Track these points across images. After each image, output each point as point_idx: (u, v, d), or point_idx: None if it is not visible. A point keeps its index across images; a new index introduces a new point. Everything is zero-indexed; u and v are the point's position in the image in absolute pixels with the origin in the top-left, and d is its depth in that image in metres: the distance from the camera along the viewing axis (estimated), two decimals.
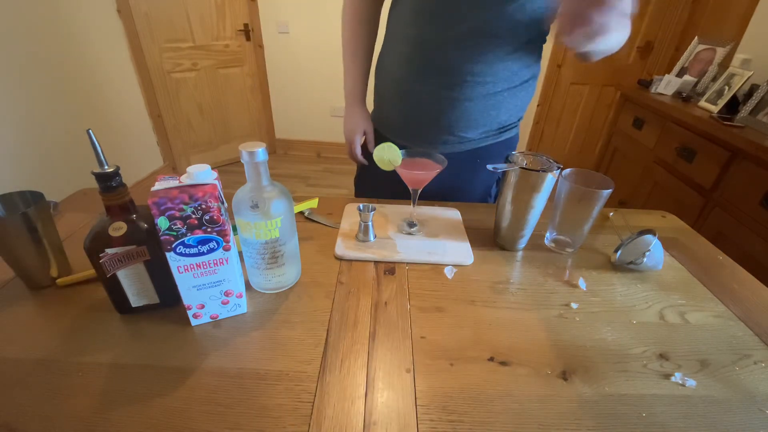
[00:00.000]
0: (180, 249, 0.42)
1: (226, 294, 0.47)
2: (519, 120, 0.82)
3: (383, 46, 0.81)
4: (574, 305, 0.53)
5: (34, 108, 1.71)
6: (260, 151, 0.44)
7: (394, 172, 0.63)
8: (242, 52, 2.74)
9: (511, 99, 0.74)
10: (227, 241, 0.44)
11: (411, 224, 0.68)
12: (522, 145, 3.03)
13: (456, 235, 0.67)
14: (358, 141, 0.85)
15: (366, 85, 0.85)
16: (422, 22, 0.69)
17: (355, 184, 0.97)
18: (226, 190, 0.58)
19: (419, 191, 0.65)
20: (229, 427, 0.36)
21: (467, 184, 0.83)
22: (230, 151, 2.93)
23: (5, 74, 1.58)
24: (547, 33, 0.71)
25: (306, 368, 0.43)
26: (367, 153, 0.88)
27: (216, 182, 0.43)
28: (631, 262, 0.60)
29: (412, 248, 0.63)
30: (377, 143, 0.85)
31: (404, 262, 0.61)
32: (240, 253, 0.54)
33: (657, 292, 0.57)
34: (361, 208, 0.62)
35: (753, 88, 1.44)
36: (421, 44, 0.70)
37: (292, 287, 0.55)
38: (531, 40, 0.69)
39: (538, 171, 0.56)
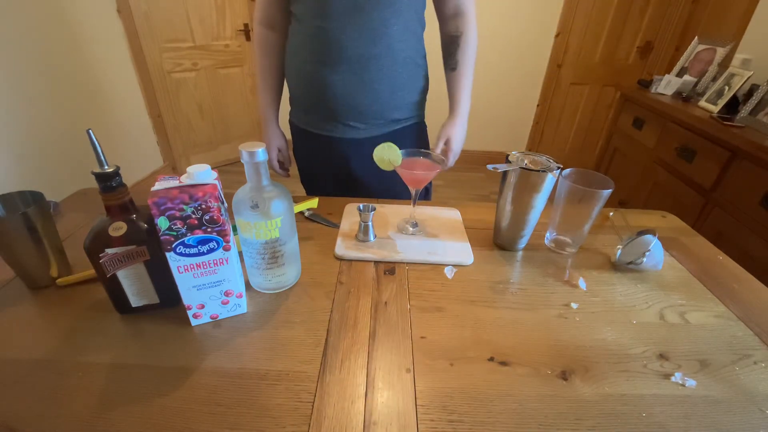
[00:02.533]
0: (180, 249, 0.42)
1: (226, 294, 0.47)
2: (416, 113, 0.88)
3: (287, 46, 0.85)
4: (574, 305, 0.53)
5: (34, 108, 1.71)
6: (260, 151, 0.44)
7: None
8: (242, 52, 2.74)
9: (387, 90, 0.80)
10: (227, 241, 0.44)
11: (414, 224, 0.68)
12: (522, 145, 3.04)
13: (456, 235, 0.67)
14: (275, 156, 0.96)
15: (277, 107, 0.94)
16: (309, 8, 0.75)
17: (302, 184, 1.03)
18: (226, 190, 0.58)
19: (419, 191, 0.65)
20: (229, 427, 0.36)
21: (368, 174, 0.89)
22: (230, 151, 2.93)
23: (5, 74, 1.58)
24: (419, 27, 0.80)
25: (306, 368, 0.43)
26: (303, 158, 0.98)
27: (216, 182, 0.43)
28: (631, 262, 0.60)
29: (412, 248, 0.63)
30: (301, 141, 0.92)
31: (404, 262, 0.61)
32: (240, 253, 0.54)
33: (657, 292, 0.57)
34: (361, 208, 0.62)
35: (753, 88, 1.44)
36: (313, 31, 0.75)
37: (292, 287, 0.55)
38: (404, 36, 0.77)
39: (538, 171, 0.56)
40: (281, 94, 0.94)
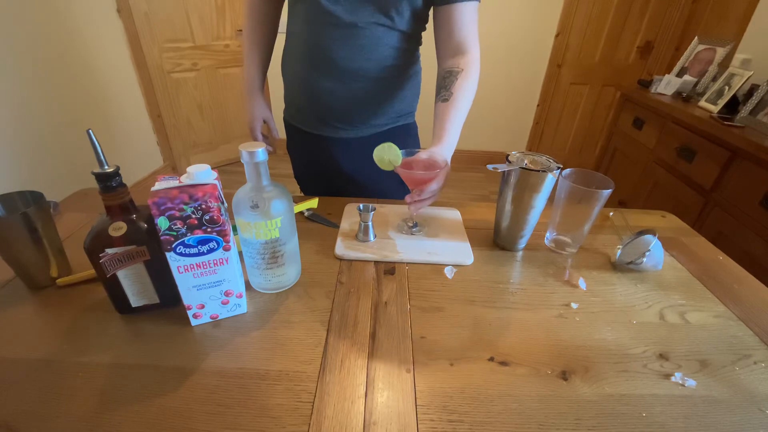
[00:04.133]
0: (180, 249, 0.42)
1: (226, 294, 0.47)
2: (405, 115, 0.88)
3: (285, 45, 0.85)
4: (574, 305, 0.53)
5: (34, 108, 1.71)
6: (260, 151, 0.44)
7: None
8: (242, 52, 2.74)
9: (383, 92, 0.80)
10: (227, 241, 0.44)
11: (413, 225, 0.68)
12: (522, 145, 3.04)
13: (456, 235, 0.67)
14: (258, 128, 0.94)
15: (263, 77, 0.92)
16: (305, 13, 0.75)
17: (297, 181, 1.02)
18: (226, 190, 0.58)
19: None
20: (229, 427, 0.36)
21: (358, 171, 0.89)
22: (230, 151, 2.93)
23: (5, 74, 1.58)
24: (413, 36, 0.77)
25: (306, 368, 0.43)
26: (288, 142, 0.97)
27: (216, 182, 0.43)
28: (631, 262, 0.60)
29: (412, 248, 0.63)
30: (294, 139, 0.92)
31: (404, 262, 0.61)
32: (240, 253, 0.54)
33: (657, 292, 0.57)
34: (361, 208, 0.62)
35: (753, 88, 1.44)
36: (307, 37, 0.75)
37: (292, 287, 0.55)
38: (396, 42, 0.75)
39: (538, 171, 0.56)
40: (268, 65, 0.92)
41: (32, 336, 0.46)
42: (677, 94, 1.78)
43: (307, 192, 1.00)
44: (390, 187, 0.89)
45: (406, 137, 0.90)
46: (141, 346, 0.45)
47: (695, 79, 1.76)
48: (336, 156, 0.87)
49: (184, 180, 0.42)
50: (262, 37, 0.88)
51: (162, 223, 0.40)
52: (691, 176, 1.50)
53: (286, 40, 0.84)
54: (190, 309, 0.46)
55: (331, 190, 0.90)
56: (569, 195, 0.60)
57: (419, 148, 0.85)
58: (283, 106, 0.93)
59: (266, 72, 0.93)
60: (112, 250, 0.43)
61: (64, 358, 0.43)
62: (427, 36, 0.81)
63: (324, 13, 0.70)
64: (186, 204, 0.40)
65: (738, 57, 1.60)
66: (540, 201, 0.59)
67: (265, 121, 0.94)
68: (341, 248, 0.62)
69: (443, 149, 0.65)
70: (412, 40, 0.78)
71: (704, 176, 1.43)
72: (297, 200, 0.75)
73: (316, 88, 0.78)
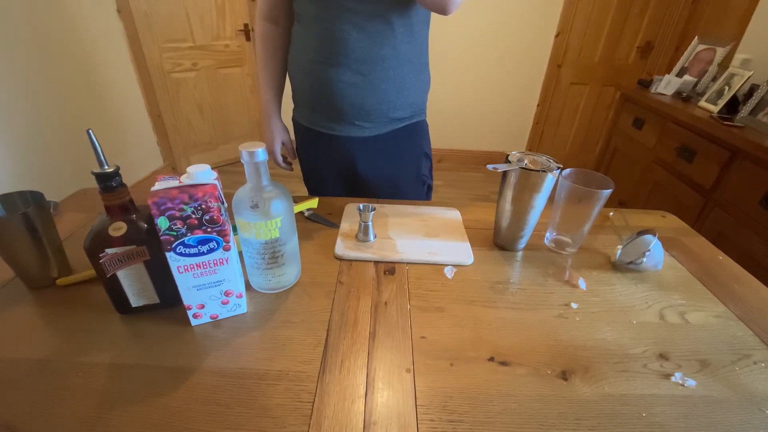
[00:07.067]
0: (180, 249, 0.42)
1: (226, 294, 0.47)
2: (419, 111, 0.89)
3: (291, 44, 0.85)
4: (574, 305, 0.53)
5: (34, 108, 1.71)
6: (260, 151, 0.44)
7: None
8: (242, 52, 2.74)
9: (394, 88, 0.80)
10: (227, 241, 0.44)
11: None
12: (522, 145, 3.04)
13: (456, 235, 0.67)
14: (278, 150, 0.95)
15: (280, 100, 0.94)
16: (316, 9, 0.75)
17: (305, 184, 1.03)
18: (226, 190, 0.58)
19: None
20: (229, 427, 0.36)
21: (373, 172, 0.89)
22: (230, 151, 2.92)
23: (5, 74, 1.58)
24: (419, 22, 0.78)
25: (306, 368, 0.43)
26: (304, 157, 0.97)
27: (216, 182, 0.43)
28: (631, 262, 0.60)
29: (412, 248, 0.63)
30: (305, 140, 0.92)
31: (404, 262, 0.61)
32: (240, 253, 0.54)
33: (657, 292, 0.57)
34: (361, 208, 0.62)
35: (753, 88, 1.44)
36: (321, 33, 0.75)
37: (292, 287, 0.55)
38: (409, 33, 0.76)
39: (538, 171, 0.56)
40: (284, 89, 0.93)
41: (32, 336, 0.46)
42: (677, 94, 1.78)
43: (316, 195, 1.00)
44: (407, 188, 0.89)
45: (419, 135, 0.91)
46: (141, 346, 0.45)
47: (695, 79, 1.76)
48: (353, 156, 0.86)
49: (184, 180, 0.42)
50: (276, 64, 0.89)
51: (162, 223, 0.40)
52: (691, 176, 1.50)
53: (292, 41, 0.83)
54: (190, 309, 0.46)
55: (344, 192, 0.89)
56: (569, 195, 0.60)
57: (431, 147, 0.86)
58: (291, 106, 0.93)
59: (282, 95, 0.94)
60: (112, 250, 0.43)
61: (64, 358, 0.43)
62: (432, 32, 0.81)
63: (337, 4, 0.70)
64: (186, 204, 0.40)
65: (738, 57, 1.61)
66: (540, 201, 0.59)
67: (283, 143, 0.96)
68: (341, 248, 0.62)
69: None
70: (423, 19, 0.78)
71: (704, 176, 1.43)
72: (297, 200, 0.75)
73: (331, 83, 0.78)
